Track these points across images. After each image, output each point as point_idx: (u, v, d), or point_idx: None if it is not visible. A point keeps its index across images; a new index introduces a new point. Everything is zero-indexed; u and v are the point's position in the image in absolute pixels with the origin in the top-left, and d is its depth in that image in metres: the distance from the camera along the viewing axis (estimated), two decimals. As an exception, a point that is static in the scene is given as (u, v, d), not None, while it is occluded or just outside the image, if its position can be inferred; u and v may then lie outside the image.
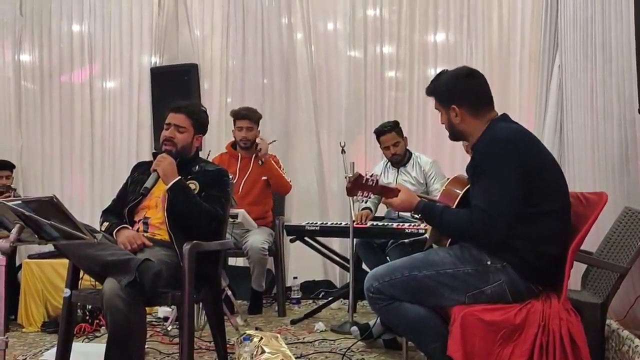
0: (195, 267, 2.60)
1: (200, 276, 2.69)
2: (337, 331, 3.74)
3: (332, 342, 3.54)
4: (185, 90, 5.11)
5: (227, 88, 5.43)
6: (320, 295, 4.93)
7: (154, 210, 2.85)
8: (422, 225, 3.55)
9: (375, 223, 4.03)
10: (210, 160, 3.86)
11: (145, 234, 2.80)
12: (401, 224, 3.84)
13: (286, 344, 2.79)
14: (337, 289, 5.00)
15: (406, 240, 3.80)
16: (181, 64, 5.39)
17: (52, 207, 1.93)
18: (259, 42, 5.34)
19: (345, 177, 2.51)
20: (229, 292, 4.02)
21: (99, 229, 2.78)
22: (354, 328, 3.48)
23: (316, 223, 4.14)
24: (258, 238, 4.07)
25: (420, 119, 5.05)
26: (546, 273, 2.19)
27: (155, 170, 2.79)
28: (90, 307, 3.84)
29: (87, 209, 5.44)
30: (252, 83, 5.36)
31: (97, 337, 3.76)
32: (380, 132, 4.28)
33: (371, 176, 2.40)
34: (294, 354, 2.85)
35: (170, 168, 2.78)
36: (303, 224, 4.15)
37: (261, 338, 2.70)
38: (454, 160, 4.56)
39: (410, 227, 3.71)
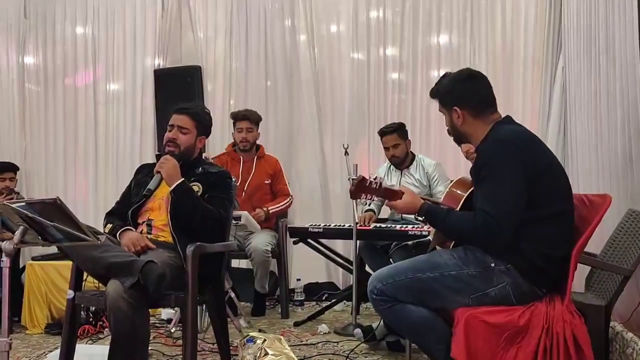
0: (198, 269, 2.60)
1: (204, 278, 2.69)
2: (341, 333, 3.74)
3: (335, 344, 3.54)
4: (188, 93, 5.12)
5: (231, 90, 5.43)
6: (324, 297, 4.94)
7: (158, 212, 2.86)
8: (426, 227, 3.55)
9: (378, 225, 4.03)
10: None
11: (149, 236, 2.80)
12: (404, 226, 3.84)
13: (289, 346, 2.80)
14: (340, 291, 4.99)
15: (409, 242, 3.80)
16: (184, 66, 5.40)
17: (55, 209, 1.93)
18: (262, 44, 5.34)
19: (349, 179, 2.51)
20: (233, 294, 4.02)
21: (102, 231, 2.78)
22: (357, 330, 3.47)
23: (319, 225, 4.14)
24: (261, 240, 4.07)
25: (423, 121, 5.05)
26: (551, 275, 2.19)
27: (158, 172, 2.79)
28: (93, 308, 3.84)
29: (91, 211, 5.45)
30: (255, 85, 5.36)
31: (100, 338, 3.76)
32: (382, 133, 4.29)
33: (375, 179, 2.39)
34: (297, 356, 2.85)
35: (173, 170, 2.78)
36: (306, 225, 4.15)
37: (264, 340, 2.71)
38: (458, 162, 4.56)
39: (414, 229, 3.70)
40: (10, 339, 2.01)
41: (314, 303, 4.82)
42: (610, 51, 3.34)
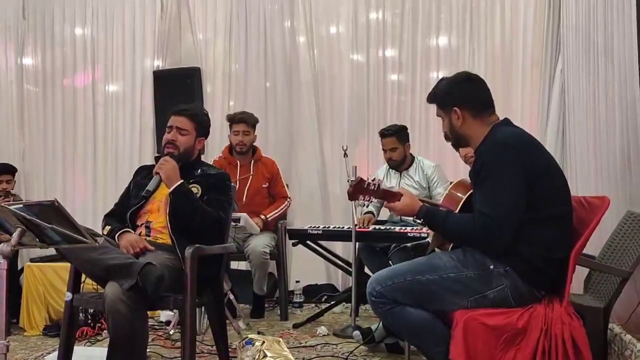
0: (197, 271, 2.60)
1: (203, 280, 2.69)
2: (340, 335, 3.74)
3: (334, 346, 3.53)
4: (187, 94, 5.12)
5: (230, 92, 5.43)
6: (323, 299, 4.93)
7: (156, 214, 2.85)
8: (425, 229, 3.55)
9: (377, 227, 4.03)
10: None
11: (147, 238, 2.80)
12: (404, 227, 3.84)
13: (288, 348, 2.79)
14: (339, 292, 4.99)
15: (408, 244, 3.80)
16: (184, 68, 5.40)
17: (53, 211, 1.93)
18: (261, 45, 5.34)
19: (348, 181, 2.51)
20: (232, 296, 4.01)
21: (101, 233, 2.78)
22: (357, 332, 3.47)
23: (319, 227, 4.14)
24: (259, 242, 4.07)
25: (422, 123, 5.05)
26: (550, 278, 2.19)
27: (157, 174, 2.79)
28: (92, 310, 3.84)
29: (90, 212, 5.45)
30: (255, 87, 5.36)
31: (99, 340, 3.75)
32: (381, 134, 4.29)
33: (373, 180, 2.39)
34: (296, 358, 2.86)
35: (172, 171, 2.78)
36: (305, 227, 4.14)
37: (263, 342, 2.70)
38: (457, 164, 4.55)
39: (413, 231, 3.70)
40: (8, 341, 2.00)
41: (313, 305, 4.81)
42: (608, 53, 3.34)
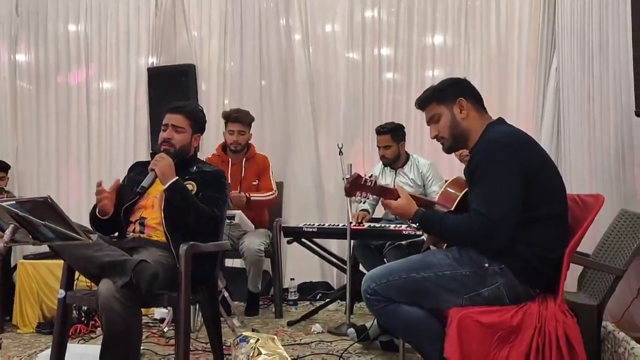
0: (192, 269, 2.59)
1: (197, 277, 2.68)
2: (334, 333, 3.74)
3: (329, 343, 3.53)
4: (182, 92, 5.11)
5: (225, 89, 5.42)
6: (318, 297, 4.93)
7: (151, 211, 2.84)
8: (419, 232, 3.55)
9: (372, 224, 4.03)
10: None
11: (142, 235, 2.79)
12: (399, 225, 3.84)
13: (283, 345, 2.79)
14: (334, 290, 5.00)
15: (403, 242, 3.80)
16: (178, 65, 5.38)
17: (46, 207, 1.92)
18: (256, 43, 5.33)
19: (343, 179, 2.50)
20: (226, 294, 4.01)
21: (91, 228, 2.77)
22: (351, 330, 3.47)
23: (314, 224, 4.14)
24: (254, 239, 4.06)
25: (418, 121, 5.04)
26: (545, 276, 2.19)
27: (152, 170, 2.78)
28: (85, 308, 3.82)
29: (84, 210, 5.38)
30: (250, 85, 5.36)
31: (92, 338, 3.75)
32: (377, 131, 4.30)
33: (370, 177, 2.38)
34: (290, 356, 2.85)
35: (168, 168, 2.77)
36: (300, 225, 4.14)
37: (258, 339, 2.70)
38: (452, 162, 4.55)
39: (408, 228, 3.70)
40: (1, 339, 2.00)
41: (307, 302, 4.81)
42: (603, 52, 3.36)
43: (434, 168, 4.31)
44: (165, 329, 3.77)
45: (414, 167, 4.30)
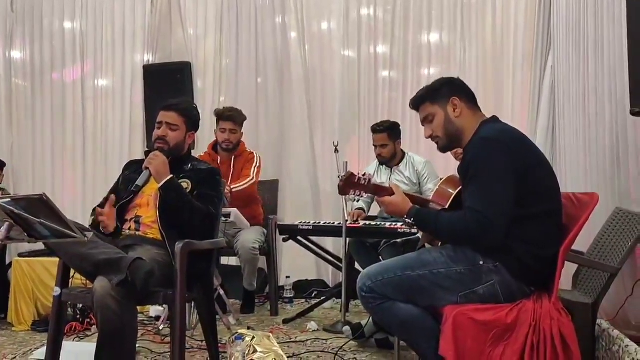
0: (187, 266, 2.59)
1: (193, 275, 2.68)
2: (330, 331, 3.74)
3: (324, 341, 3.54)
4: (178, 89, 5.10)
5: (221, 87, 5.42)
6: (313, 295, 4.94)
7: (146, 209, 2.84)
8: (414, 230, 3.55)
9: (368, 223, 4.03)
10: None
11: (137, 233, 2.79)
12: (394, 223, 3.84)
13: (278, 343, 2.79)
14: (329, 288, 5.00)
15: (399, 240, 3.81)
16: (174, 63, 5.37)
17: (42, 205, 1.91)
18: (252, 41, 5.33)
19: (339, 177, 2.51)
20: (222, 291, 4.01)
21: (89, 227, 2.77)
22: (346, 327, 3.48)
23: (309, 222, 4.13)
24: (249, 237, 4.06)
25: (413, 119, 5.04)
26: (540, 274, 2.19)
27: (147, 168, 2.78)
28: (81, 305, 3.82)
29: (79, 207, 5.41)
30: (246, 82, 5.35)
31: (87, 336, 3.74)
32: (373, 130, 4.30)
33: (364, 175, 2.39)
34: (286, 354, 2.85)
35: (162, 166, 2.77)
36: (296, 223, 4.14)
37: (253, 337, 2.70)
38: (448, 160, 4.56)
39: (403, 226, 3.71)
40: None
41: (303, 300, 4.81)
42: (599, 50, 3.36)
43: (430, 166, 4.32)
44: (161, 327, 3.76)
45: (409, 165, 4.30)
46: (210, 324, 2.93)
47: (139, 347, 3.21)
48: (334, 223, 4.12)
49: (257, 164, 4.32)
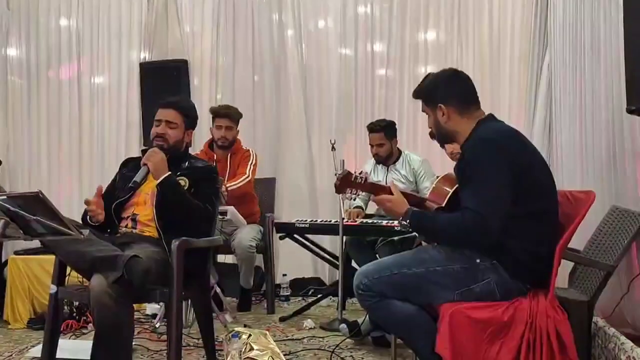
0: (184, 264, 2.59)
1: (189, 273, 2.68)
2: (326, 328, 3.75)
3: (321, 339, 3.54)
4: (175, 87, 5.08)
5: (217, 85, 5.40)
6: (310, 293, 4.94)
7: (143, 207, 2.84)
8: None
9: (365, 221, 4.03)
10: None
11: (134, 231, 2.78)
12: (391, 221, 3.85)
13: (275, 341, 2.79)
14: (326, 286, 5.00)
15: (395, 238, 3.81)
16: (171, 60, 5.35)
17: (38, 202, 1.91)
18: (249, 39, 5.32)
19: (335, 175, 2.51)
20: (218, 289, 4.01)
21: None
22: (343, 325, 3.48)
23: (306, 220, 4.14)
24: (245, 235, 4.06)
25: (410, 117, 5.06)
26: (536, 272, 2.20)
27: (145, 165, 2.77)
28: (77, 303, 3.81)
29: (75, 205, 5.37)
30: (243, 80, 5.34)
31: (84, 333, 3.74)
32: (369, 129, 4.30)
33: (360, 173, 2.39)
34: (282, 351, 2.85)
35: (161, 163, 2.77)
36: (293, 221, 4.14)
37: (250, 335, 2.70)
38: (444, 158, 4.55)
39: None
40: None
41: (299, 298, 4.82)
42: (595, 48, 3.37)
43: (426, 164, 4.32)
44: (157, 325, 3.76)
45: (405, 164, 4.31)
46: (207, 321, 2.93)
47: (135, 344, 3.21)
48: (330, 221, 4.12)
49: (253, 162, 4.32)
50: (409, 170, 4.28)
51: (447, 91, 2.36)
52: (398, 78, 5.13)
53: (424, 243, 2.52)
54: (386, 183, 4.07)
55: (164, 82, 5.13)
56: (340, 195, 2.48)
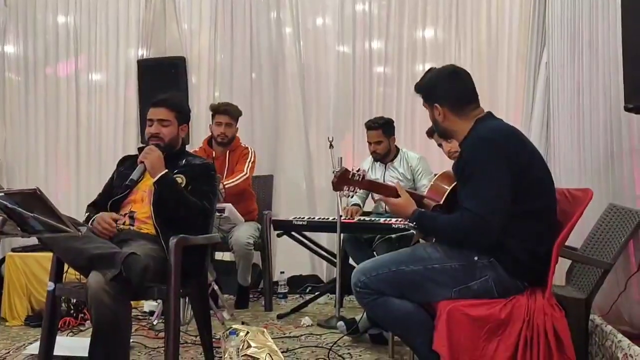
0: (181, 261, 2.59)
1: (187, 270, 2.67)
2: (324, 326, 3.75)
3: (318, 336, 3.54)
4: (172, 84, 5.07)
5: (215, 82, 5.39)
6: (307, 290, 4.94)
7: (140, 205, 2.84)
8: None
9: (362, 218, 4.04)
10: None
11: (132, 228, 2.78)
12: (388, 219, 3.85)
13: (272, 338, 2.79)
14: (324, 283, 5.00)
15: (393, 236, 3.81)
16: (168, 57, 5.34)
17: (35, 199, 1.91)
18: (247, 36, 5.31)
19: (333, 172, 2.51)
20: (216, 287, 4.01)
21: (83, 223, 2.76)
22: (341, 323, 3.48)
23: (304, 218, 4.14)
24: (243, 233, 4.06)
25: (408, 115, 5.06)
26: (534, 270, 2.20)
27: (142, 162, 2.77)
28: (74, 300, 3.81)
29: (73, 203, 5.39)
30: (241, 78, 5.33)
31: (81, 331, 3.74)
32: (367, 127, 4.29)
33: (357, 171, 2.40)
34: (280, 349, 2.85)
35: (158, 161, 2.76)
36: (290, 218, 4.15)
37: (247, 332, 2.70)
38: (442, 156, 4.54)
39: (398, 222, 3.72)
40: (-11, 331, 1.98)
41: (297, 296, 4.82)
42: (593, 46, 3.37)
43: (424, 162, 4.32)
44: (155, 322, 3.76)
45: (403, 162, 4.31)
46: (205, 319, 2.93)
47: (132, 342, 3.21)
48: (328, 218, 4.12)
49: (252, 159, 4.32)
50: (406, 168, 4.28)
51: (445, 91, 2.35)
52: (396, 76, 5.12)
53: (421, 241, 2.52)
54: (384, 181, 4.08)
55: (161, 80, 5.12)
56: (338, 192, 2.47)
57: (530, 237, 2.19)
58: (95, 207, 2.91)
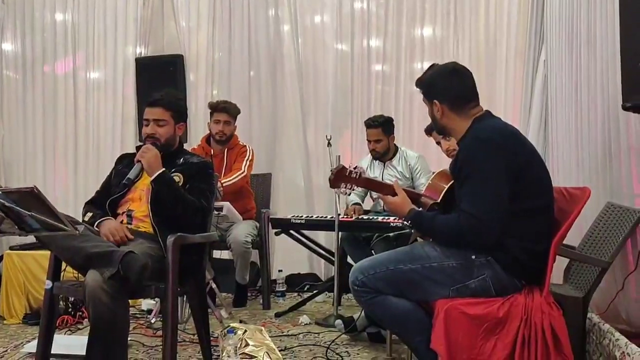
0: (179, 260, 2.58)
1: (185, 269, 2.68)
2: (322, 324, 3.75)
3: (316, 335, 3.54)
4: (170, 82, 5.06)
5: (213, 80, 5.38)
6: (305, 289, 4.94)
7: (138, 203, 2.83)
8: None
9: (360, 217, 4.03)
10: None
11: (129, 226, 2.78)
12: (386, 217, 3.85)
13: (270, 336, 2.80)
14: (322, 282, 5.00)
15: (391, 234, 3.81)
16: (166, 55, 5.34)
17: (33, 198, 1.90)
18: (245, 34, 5.30)
19: (331, 170, 2.51)
20: (214, 285, 4.00)
21: (81, 220, 2.75)
22: (339, 321, 3.49)
23: (302, 216, 4.14)
24: (241, 231, 4.05)
25: (406, 113, 5.06)
26: (532, 269, 2.21)
27: (139, 161, 2.76)
28: (72, 299, 3.81)
29: (71, 201, 5.38)
30: (239, 75, 5.32)
31: (79, 329, 3.73)
32: (367, 125, 4.29)
33: (355, 168, 2.39)
34: (278, 347, 2.86)
35: (155, 160, 2.76)
36: (288, 217, 4.14)
37: (245, 331, 2.71)
38: (440, 155, 4.55)
39: (396, 220, 3.72)
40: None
41: (295, 294, 4.82)
42: (591, 44, 3.37)
43: (422, 160, 4.32)
44: (153, 320, 3.76)
45: (402, 160, 4.31)
46: (202, 317, 2.92)
47: (130, 340, 3.21)
48: (326, 217, 4.12)
49: (250, 157, 4.32)
50: (405, 167, 4.28)
51: (444, 89, 2.35)
52: (394, 74, 5.12)
53: (419, 239, 2.52)
54: (382, 179, 4.08)
55: (159, 78, 5.11)
56: (335, 190, 2.47)
57: (529, 236, 2.19)
58: (93, 205, 2.91)
